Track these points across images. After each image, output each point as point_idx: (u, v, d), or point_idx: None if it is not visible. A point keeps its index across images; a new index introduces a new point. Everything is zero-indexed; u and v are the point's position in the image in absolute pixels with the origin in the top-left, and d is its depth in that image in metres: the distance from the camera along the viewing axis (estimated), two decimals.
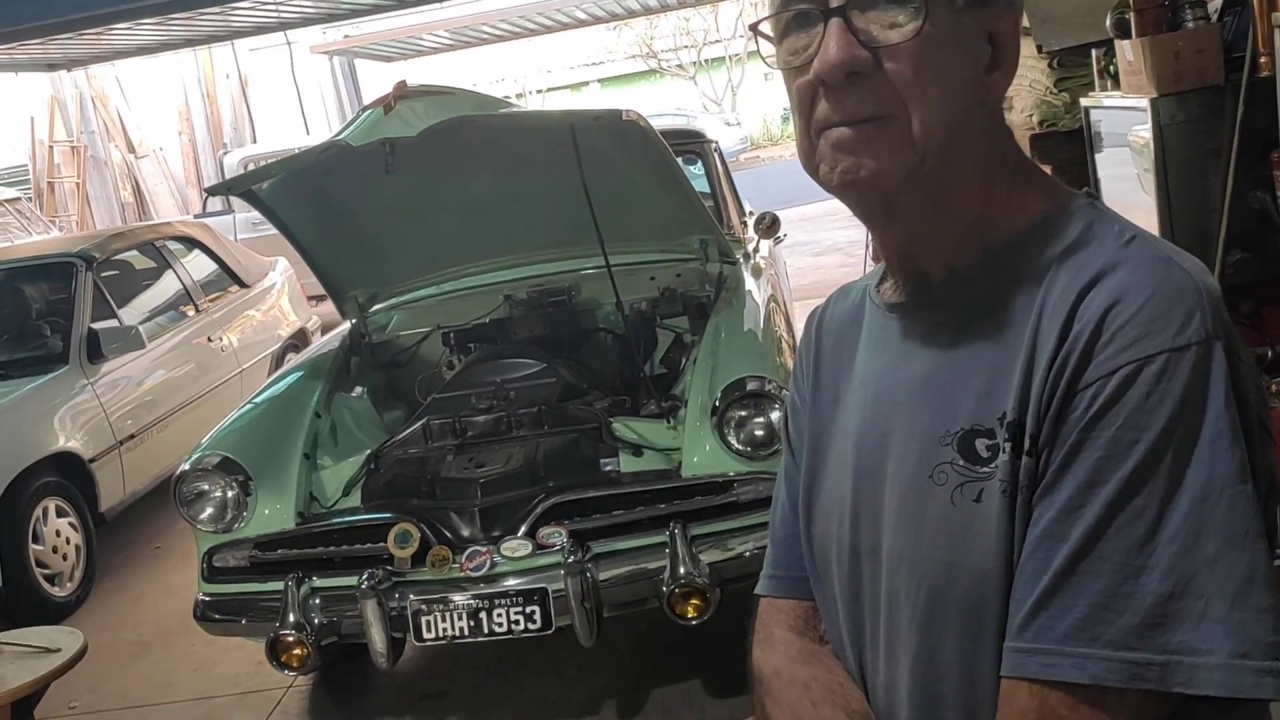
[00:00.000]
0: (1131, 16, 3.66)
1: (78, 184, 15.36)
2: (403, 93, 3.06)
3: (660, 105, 22.94)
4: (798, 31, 0.87)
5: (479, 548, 2.95)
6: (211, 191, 3.60)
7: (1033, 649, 0.79)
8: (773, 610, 1.10)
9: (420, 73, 14.00)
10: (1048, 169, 4.28)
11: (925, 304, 0.93)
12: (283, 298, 7.04)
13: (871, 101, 0.84)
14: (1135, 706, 0.76)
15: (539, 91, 27.91)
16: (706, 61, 27.61)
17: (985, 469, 0.84)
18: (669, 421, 3.21)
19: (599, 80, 30.12)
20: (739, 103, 27.51)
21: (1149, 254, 0.83)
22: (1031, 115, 4.65)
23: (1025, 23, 4.53)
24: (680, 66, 27.81)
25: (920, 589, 0.89)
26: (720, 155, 5.29)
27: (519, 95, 25.41)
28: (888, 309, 0.97)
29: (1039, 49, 4.54)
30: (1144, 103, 3.57)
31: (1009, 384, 0.83)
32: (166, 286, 6.14)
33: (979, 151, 0.89)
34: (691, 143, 5.13)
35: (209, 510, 3.18)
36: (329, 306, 5.30)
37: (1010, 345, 0.84)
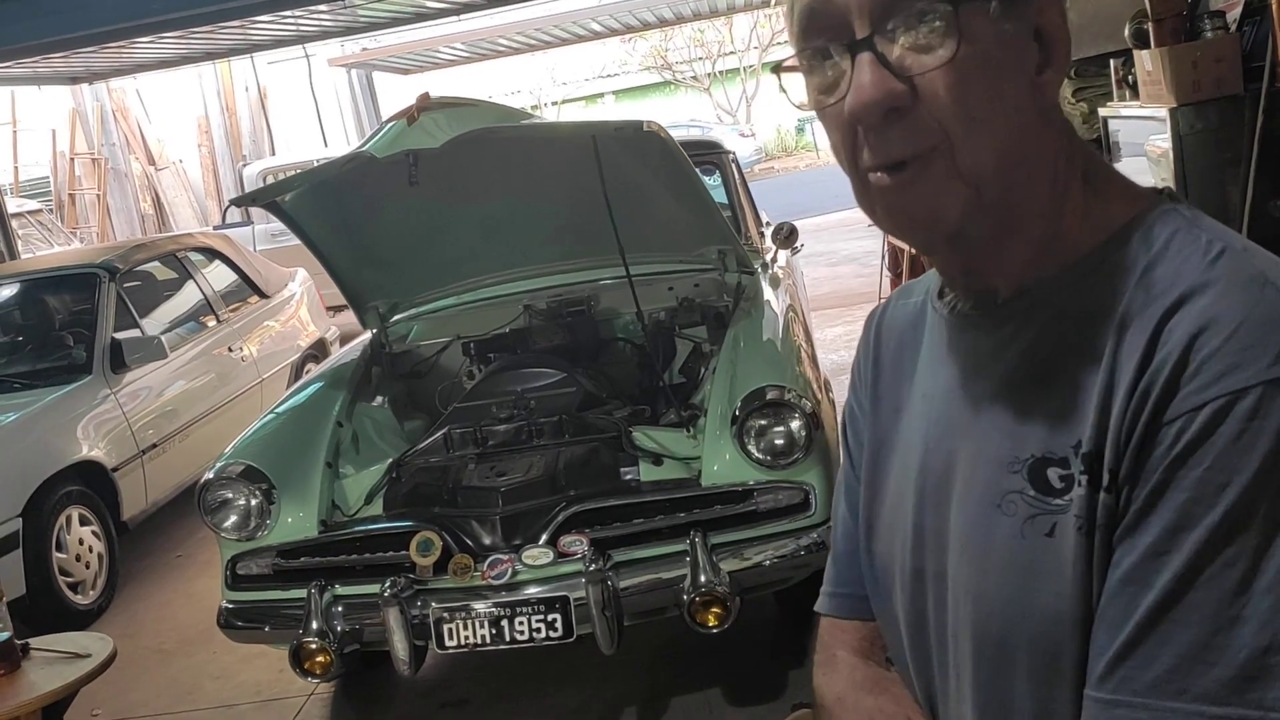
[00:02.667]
0: (1150, 26, 3.67)
1: (98, 196, 15.51)
2: (426, 104, 3.09)
3: (675, 116, 23.01)
4: (823, 67, 0.80)
5: (500, 556, 2.97)
6: (237, 203, 3.64)
7: (1114, 700, 0.74)
8: (835, 630, 1.05)
9: (437, 85, 14.09)
10: None
11: (993, 318, 0.86)
12: (302, 308, 7.09)
13: (914, 138, 0.77)
14: None
15: (554, 103, 28.03)
16: (721, 73, 27.69)
17: (1059, 501, 0.78)
18: (689, 430, 3.23)
19: (614, 92, 30.23)
20: (753, 114, 27.56)
21: (1240, 273, 0.75)
22: None
23: None
24: (695, 78, 27.89)
25: (988, 626, 0.83)
26: (738, 166, 5.31)
27: (534, 107, 25.52)
28: (951, 319, 0.90)
29: None
30: (1163, 112, 3.58)
31: (1085, 411, 0.77)
32: (188, 297, 6.19)
33: (1045, 164, 0.81)
34: (709, 154, 5.15)
35: (233, 518, 3.20)
36: (348, 317, 5.34)
37: (1086, 369, 0.78)
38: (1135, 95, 4.01)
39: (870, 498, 1.00)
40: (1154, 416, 0.73)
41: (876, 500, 0.99)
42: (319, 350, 6.90)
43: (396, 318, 4.33)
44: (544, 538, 2.99)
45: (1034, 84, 0.80)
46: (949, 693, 0.90)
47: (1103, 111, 4.38)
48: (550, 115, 25.50)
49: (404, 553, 3.00)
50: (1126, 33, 3.93)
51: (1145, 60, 3.73)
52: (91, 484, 4.81)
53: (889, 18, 0.76)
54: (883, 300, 1.08)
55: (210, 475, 3.26)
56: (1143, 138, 3.97)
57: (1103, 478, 0.76)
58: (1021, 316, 0.83)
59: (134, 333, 5.38)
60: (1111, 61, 4.31)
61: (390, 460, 3.34)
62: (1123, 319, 0.77)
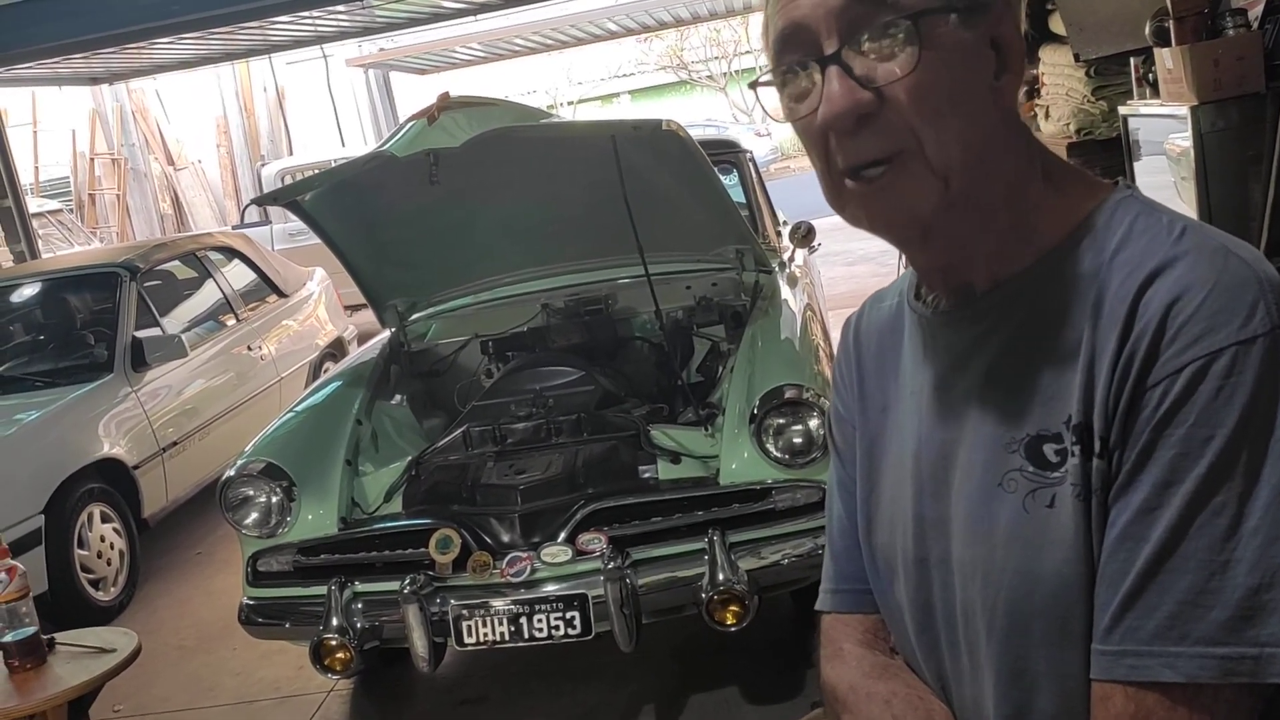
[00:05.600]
0: (1171, 24, 3.66)
1: (118, 196, 15.61)
2: (446, 104, 3.10)
3: (691, 116, 22.99)
4: (795, 80, 0.86)
5: (519, 553, 2.98)
6: (259, 202, 3.67)
7: (1121, 650, 0.79)
8: (839, 625, 1.09)
9: (454, 85, 14.13)
10: None
11: (972, 312, 0.91)
12: (320, 307, 7.12)
13: (883, 139, 0.83)
14: (1231, 701, 0.76)
15: (570, 103, 28.05)
16: (737, 72, 27.66)
17: (1056, 474, 0.84)
18: (707, 429, 3.23)
19: (629, 92, 30.23)
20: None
21: (1204, 245, 0.81)
22: (1069, 124, 4.64)
23: (1063, 30, 4.52)
24: (710, 77, 27.86)
25: (998, 599, 0.87)
26: (755, 165, 5.31)
27: (550, 106, 25.56)
28: (930, 317, 0.96)
29: (1076, 57, 4.53)
30: (1184, 110, 3.56)
31: (1071, 387, 0.83)
32: (207, 296, 6.23)
33: (1005, 161, 0.87)
34: (727, 153, 5.15)
35: (254, 515, 3.22)
36: (365, 316, 5.37)
37: (1068, 348, 0.84)
38: (1156, 93, 3.99)
39: (867, 494, 1.04)
40: (1138, 382, 0.79)
41: (873, 496, 1.03)
42: (337, 349, 6.93)
43: (415, 316, 4.34)
44: (562, 535, 3.00)
45: (992, 88, 0.86)
46: (961, 671, 0.94)
47: (1123, 110, 4.36)
48: (566, 115, 25.52)
49: (423, 550, 3.01)
50: (1147, 30, 3.91)
51: (1166, 58, 3.71)
52: (113, 482, 4.84)
53: (854, 33, 0.83)
54: (855, 310, 1.13)
55: (231, 473, 3.28)
56: (1163, 136, 3.95)
57: (1094, 445, 0.81)
58: (1000, 308, 0.89)
59: (154, 331, 5.41)
60: (1132, 59, 4.29)
61: (409, 458, 3.36)
62: (1097, 298, 0.83)
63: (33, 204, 10.97)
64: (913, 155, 0.83)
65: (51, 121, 16.17)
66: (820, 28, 0.83)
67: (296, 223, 4.13)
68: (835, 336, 4.70)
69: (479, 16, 11.04)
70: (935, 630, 0.96)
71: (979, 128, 0.85)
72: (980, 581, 0.89)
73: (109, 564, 4.76)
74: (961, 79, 0.83)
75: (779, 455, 3.01)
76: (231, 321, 6.20)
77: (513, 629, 2.91)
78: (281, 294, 6.77)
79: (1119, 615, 0.79)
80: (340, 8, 8.51)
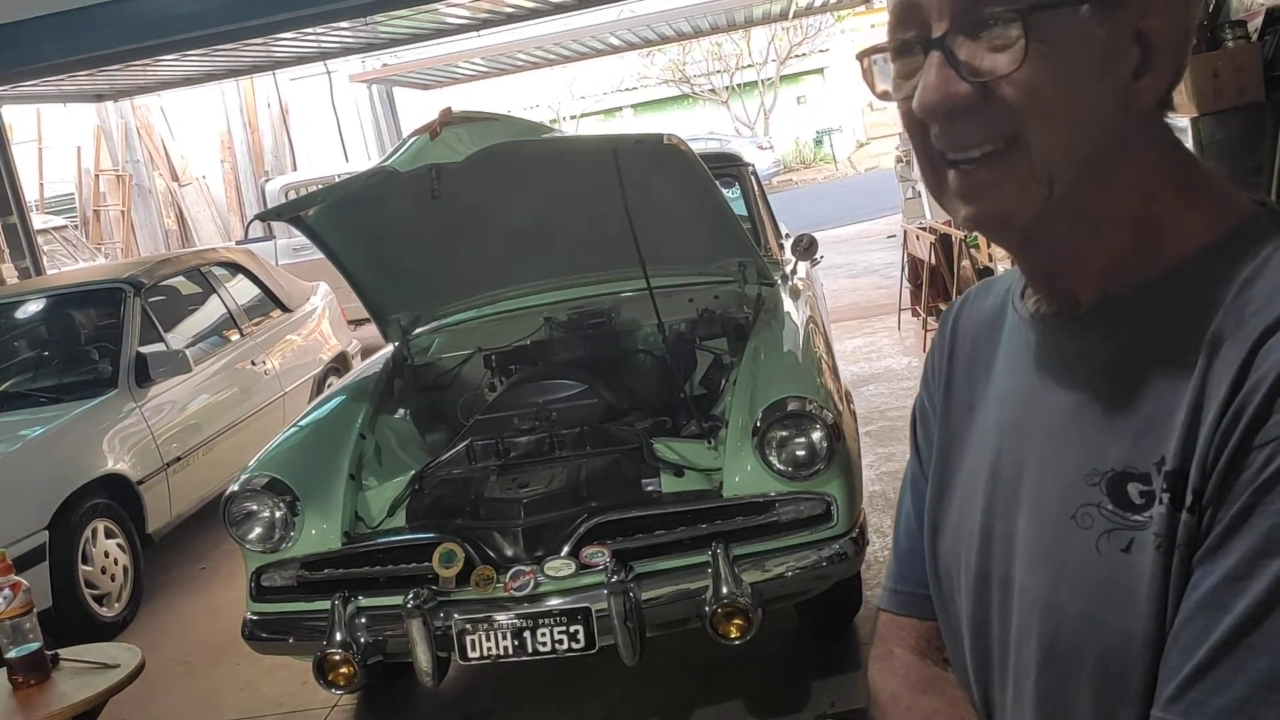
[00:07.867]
0: None
1: (123, 212, 15.66)
2: (448, 119, 3.11)
3: (693, 129, 23.05)
4: (904, 58, 0.81)
5: (522, 567, 2.98)
6: (263, 217, 3.68)
7: None
8: (894, 627, 1.04)
9: (457, 100, 14.18)
10: None
11: (1076, 324, 0.84)
12: (324, 322, 7.14)
13: (982, 129, 0.77)
14: None
15: (573, 117, 28.13)
16: (739, 86, 27.74)
17: (1138, 517, 0.76)
18: (710, 442, 3.23)
19: (632, 105, 30.31)
20: (771, 126, 27.60)
21: None
22: None
23: None
24: (713, 91, 27.95)
25: (1055, 637, 0.81)
26: (757, 178, 5.32)
27: (553, 121, 25.63)
28: (1033, 321, 0.88)
29: None
30: (1184, 122, 3.57)
31: (1169, 428, 0.75)
32: (211, 311, 6.25)
33: (1127, 170, 0.79)
34: (729, 166, 5.17)
35: (257, 530, 3.22)
36: (369, 330, 5.38)
37: (1173, 384, 0.76)
38: None
39: (937, 497, 0.98)
40: (1244, 439, 0.71)
41: (944, 500, 0.97)
42: (341, 363, 6.94)
43: (418, 330, 4.35)
44: (566, 549, 3.00)
45: (1127, 89, 0.78)
46: (1006, 702, 0.89)
47: None
48: (569, 129, 25.60)
49: (427, 564, 3.01)
50: None
51: None
52: (117, 497, 4.85)
53: (966, 18, 0.76)
54: (959, 296, 1.05)
55: (235, 488, 3.29)
56: None
57: (1186, 497, 0.74)
58: (1106, 325, 0.82)
59: (159, 347, 5.43)
60: None
61: (413, 472, 3.36)
62: (1215, 336, 0.74)
63: (37, 220, 11.00)
64: (1016, 151, 0.76)
65: (56, 138, 16.24)
66: (932, 7, 0.77)
67: (300, 238, 4.15)
68: (838, 349, 4.72)
69: (482, 32, 11.09)
70: (989, 651, 0.91)
71: (1096, 132, 0.77)
72: (1040, 614, 0.83)
73: (113, 579, 4.76)
74: (1082, 78, 0.75)
75: (782, 468, 3.01)
76: (235, 336, 6.21)
77: (516, 643, 2.91)
78: (285, 309, 6.79)
79: (1185, 686, 0.72)
80: (344, 24, 8.56)
